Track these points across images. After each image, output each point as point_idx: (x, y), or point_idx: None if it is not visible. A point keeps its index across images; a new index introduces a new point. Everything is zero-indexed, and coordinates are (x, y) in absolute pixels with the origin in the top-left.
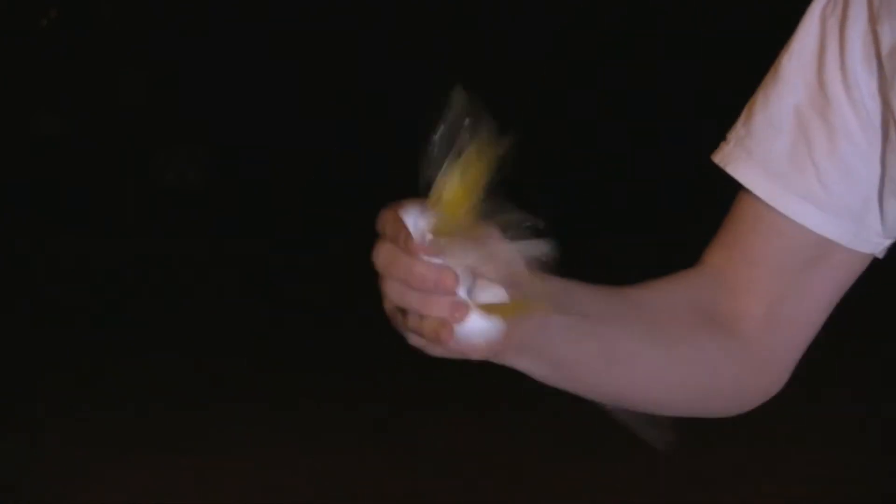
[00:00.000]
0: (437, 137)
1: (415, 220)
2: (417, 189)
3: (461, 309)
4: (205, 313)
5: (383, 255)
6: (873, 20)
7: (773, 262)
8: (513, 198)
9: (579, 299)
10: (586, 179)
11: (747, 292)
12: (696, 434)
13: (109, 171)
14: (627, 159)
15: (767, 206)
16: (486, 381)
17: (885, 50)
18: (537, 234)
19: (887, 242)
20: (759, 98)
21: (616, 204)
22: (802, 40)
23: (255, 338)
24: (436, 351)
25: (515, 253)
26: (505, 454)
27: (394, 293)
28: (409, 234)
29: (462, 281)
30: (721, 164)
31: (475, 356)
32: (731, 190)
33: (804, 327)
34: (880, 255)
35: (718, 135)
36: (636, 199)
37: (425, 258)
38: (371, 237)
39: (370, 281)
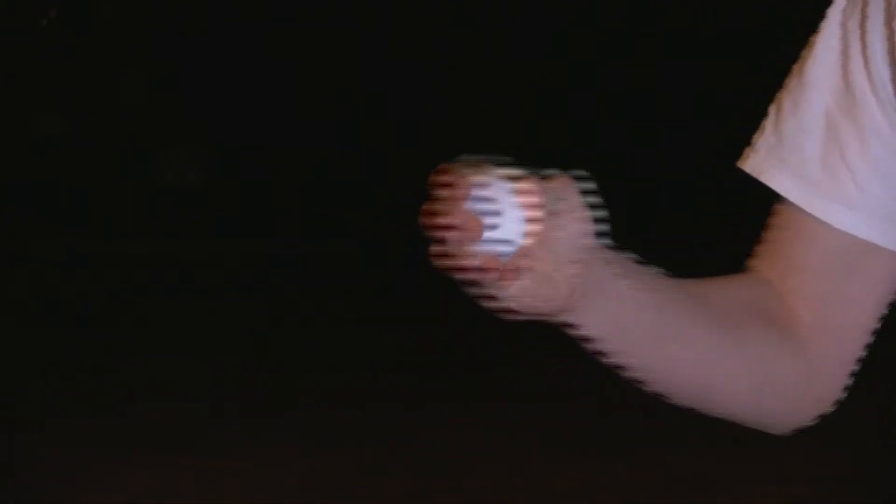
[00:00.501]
0: None
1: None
2: (416, 189)
3: (492, 263)
4: (205, 313)
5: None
6: (889, 17)
7: (816, 268)
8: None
9: (635, 269)
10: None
11: (796, 300)
12: (697, 434)
13: (109, 171)
14: (627, 159)
15: (805, 212)
16: (485, 381)
17: None
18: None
19: None
20: (787, 104)
21: (616, 204)
22: (825, 43)
23: (255, 338)
24: (504, 308)
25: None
26: (505, 454)
27: (437, 252)
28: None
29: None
30: (754, 174)
31: (540, 313)
32: (730, 190)
33: (854, 333)
34: None
35: (718, 135)
36: (636, 199)
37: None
38: (370, 236)
39: (370, 281)
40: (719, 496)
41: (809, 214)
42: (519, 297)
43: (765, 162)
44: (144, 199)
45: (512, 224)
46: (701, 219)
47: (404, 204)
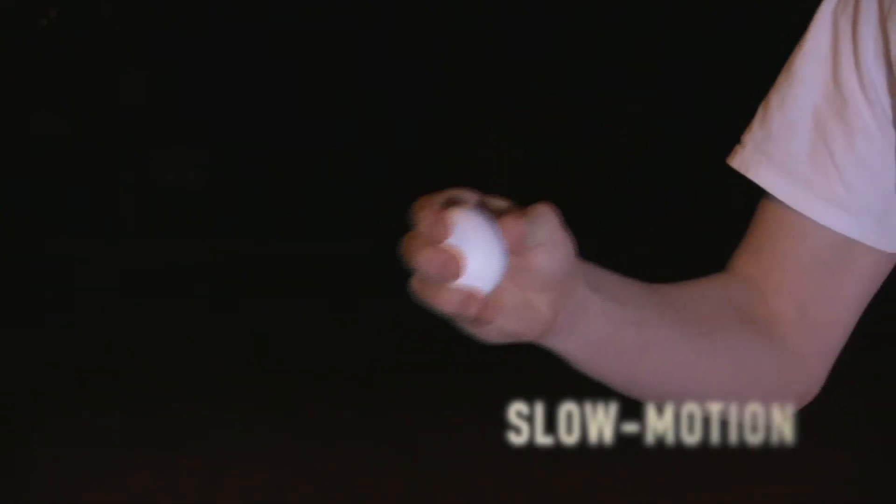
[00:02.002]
0: None
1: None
2: (416, 188)
3: (472, 300)
4: (205, 313)
5: (411, 246)
6: (883, 19)
7: (800, 265)
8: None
9: (613, 285)
10: (585, 180)
11: (778, 296)
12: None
13: (109, 171)
14: (627, 159)
15: (791, 209)
16: (485, 381)
17: (895, 50)
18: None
19: None
20: (775, 100)
21: (615, 203)
22: (816, 40)
23: (255, 338)
24: (487, 335)
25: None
26: (505, 454)
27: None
28: (439, 226)
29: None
30: (741, 170)
31: (523, 339)
32: (730, 190)
33: (835, 330)
34: None
35: (718, 135)
36: (635, 199)
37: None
38: (370, 236)
39: (370, 280)
40: (720, 496)
41: (796, 211)
42: (501, 326)
43: (751, 158)
44: (144, 199)
45: (492, 259)
46: (702, 218)
47: (404, 204)
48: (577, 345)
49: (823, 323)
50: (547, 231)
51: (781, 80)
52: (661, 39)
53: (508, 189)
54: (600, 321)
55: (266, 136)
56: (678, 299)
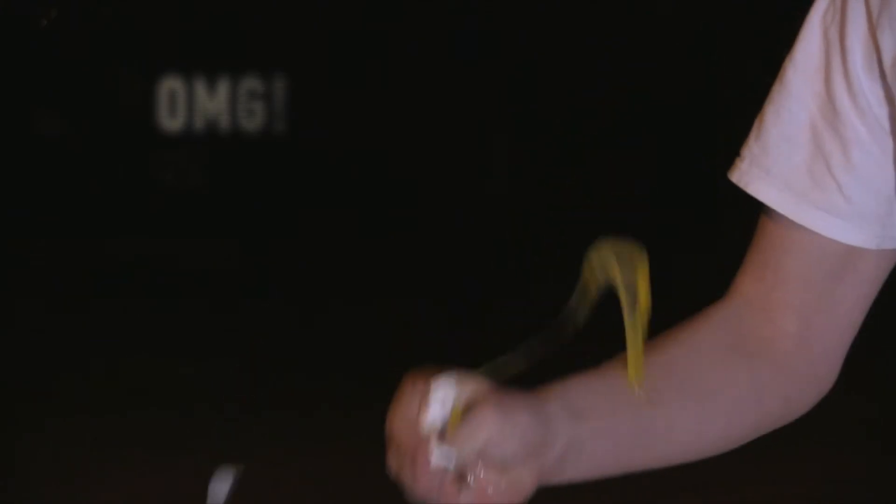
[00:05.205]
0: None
1: (438, 403)
2: (417, 191)
3: None
4: (205, 313)
5: (395, 462)
6: (872, 28)
7: (803, 277)
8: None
9: (599, 398)
10: (584, 180)
11: (780, 312)
12: None
13: (109, 171)
14: (626, 159)
15: (793, 223)
16: None
17: (887, 60)
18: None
19: None
20: (770, 113)
21: (615, 205)
22: (806, 51)
23: (255, 338)
24: None
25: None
26: None
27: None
28: (417, 446)
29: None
30: (741, 185)
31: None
32: (730, 190)
33: (842, 332)
34: None
35: (718, 136)
36: (635, 199)
37: (434, 461)
38: (370, 237)
39: (370, 281)
40: (720, 496)
41: (798, 225)
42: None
43: (749, 172)
44: (144, 199)
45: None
46: (701, 219)
47: (405, 204)
48: (581, 473)
49: (827, 329)
50: (483, 438)
51: (775, 92)
52: (662, 38)
53: (507, 189)
54: (596, 446)
55: (266, 135)
56: (670, 365)
